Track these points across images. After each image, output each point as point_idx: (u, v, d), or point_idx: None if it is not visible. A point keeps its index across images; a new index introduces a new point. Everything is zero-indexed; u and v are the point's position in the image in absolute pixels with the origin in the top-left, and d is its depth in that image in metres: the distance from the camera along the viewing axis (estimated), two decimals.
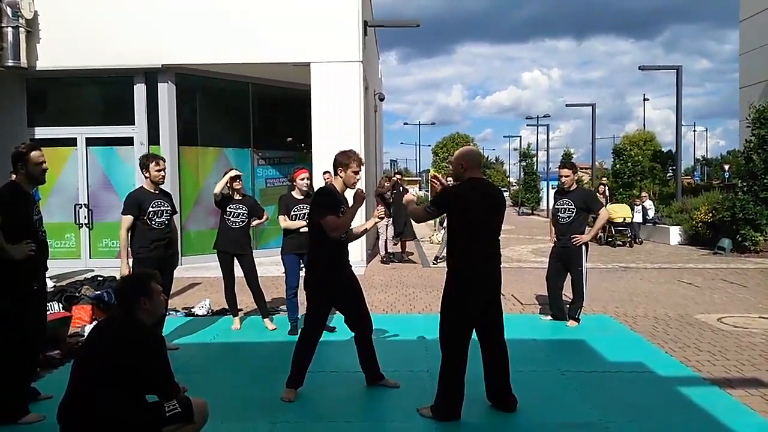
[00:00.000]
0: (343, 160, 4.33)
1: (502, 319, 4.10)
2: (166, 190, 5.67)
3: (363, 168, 4.38)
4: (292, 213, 6.12)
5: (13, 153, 4.06)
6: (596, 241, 15.28)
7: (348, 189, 4.41)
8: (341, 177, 4.36)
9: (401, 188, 12.05)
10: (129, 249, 5.31)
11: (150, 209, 5.29)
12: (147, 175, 5.40)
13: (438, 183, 4.36)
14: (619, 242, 14.91)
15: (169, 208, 5.47)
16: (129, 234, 5.33)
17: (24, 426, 3.82)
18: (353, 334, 4.51)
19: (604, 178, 18.68)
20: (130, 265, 5.27)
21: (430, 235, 16.47)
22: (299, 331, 6.08)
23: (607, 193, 16.81)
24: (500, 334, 4.08)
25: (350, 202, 4.36)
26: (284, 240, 6.27)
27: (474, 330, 3.99)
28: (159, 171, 5.39)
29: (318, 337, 4.40)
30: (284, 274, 6.22)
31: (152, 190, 5.40)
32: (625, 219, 14.92)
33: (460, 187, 3.98)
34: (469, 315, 3.90)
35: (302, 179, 6.22)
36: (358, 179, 4.40)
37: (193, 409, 2.98)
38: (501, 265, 4.04)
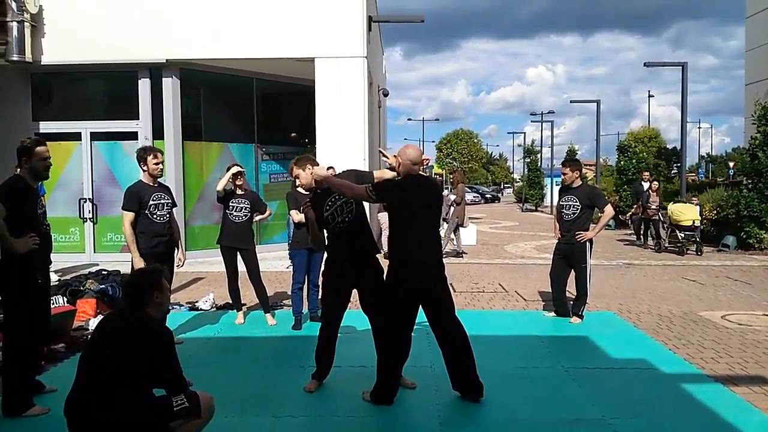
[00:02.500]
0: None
1: (451, 304, 4.18)
2: (164, 184, 5.61)
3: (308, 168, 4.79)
4: (303, 208, 6.12)
5: (19, 147, 4.07)
6: (653, 248, 13.35)
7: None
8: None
9: None
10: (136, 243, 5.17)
11: (150, 202, 5.21)
12: (145, 168, 5.31)
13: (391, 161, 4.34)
14: (688, 249, 12.53)
15: (169, 201, 5.40)
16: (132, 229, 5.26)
17: (28, 419, 3.85)
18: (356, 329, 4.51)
19: (647, 173, 16.07)
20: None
21: None
22: (302, 326, 6.17)
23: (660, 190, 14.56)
24: (450, 319, 4.16)
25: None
26: (295, 234, 6.28)
27: (428, 320, 4.16)
28: (157, 164, 5.29)
29: (327, 329, 4.39)
30: (290, 269, 6.22)
31: (151, 184, 5.32)
32: (694, 222, 12.69)
33: (402, 181, 4.09)
34: (410, 302, 4.03)
35: None
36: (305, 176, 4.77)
37: (200, 404, 2.98)
38: (441, 253, 4.22)
